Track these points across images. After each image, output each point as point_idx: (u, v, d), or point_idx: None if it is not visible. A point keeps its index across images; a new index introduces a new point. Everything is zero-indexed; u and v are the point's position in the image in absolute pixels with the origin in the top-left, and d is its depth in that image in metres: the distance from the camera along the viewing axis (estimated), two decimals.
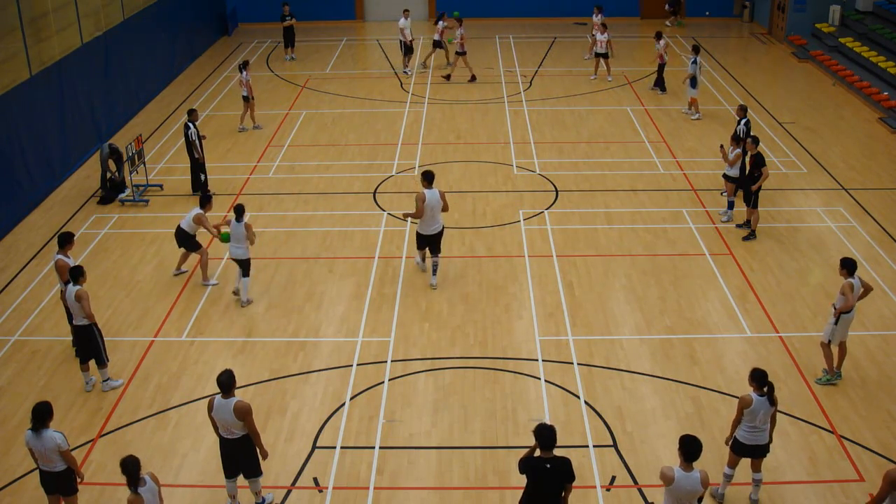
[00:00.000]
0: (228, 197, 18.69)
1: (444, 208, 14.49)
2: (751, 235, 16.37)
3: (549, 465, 8.64)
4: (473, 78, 26.77)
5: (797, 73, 27.70)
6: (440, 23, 27.71)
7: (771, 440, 10.03)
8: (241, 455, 9.89)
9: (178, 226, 15.06)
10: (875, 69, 25.37)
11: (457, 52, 26.66)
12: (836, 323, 11.99)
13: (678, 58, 28.56)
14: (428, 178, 14.31)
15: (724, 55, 29.68)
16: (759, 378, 9.69)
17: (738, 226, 16.75)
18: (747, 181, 16.24)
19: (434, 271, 14.89)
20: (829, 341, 12.12)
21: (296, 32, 29.50)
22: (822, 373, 12.42)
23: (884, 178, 19.36)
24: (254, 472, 10.05)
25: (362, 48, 31.71)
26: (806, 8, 30.49)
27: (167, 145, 21.92)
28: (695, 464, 8.64)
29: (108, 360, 12.54)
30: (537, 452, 8.76)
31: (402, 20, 27.41)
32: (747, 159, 16.54)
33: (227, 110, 24.42)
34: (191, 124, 18.31)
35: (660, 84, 25.38)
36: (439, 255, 14.90)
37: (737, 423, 9.91)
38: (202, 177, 18.70)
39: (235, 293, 14.72)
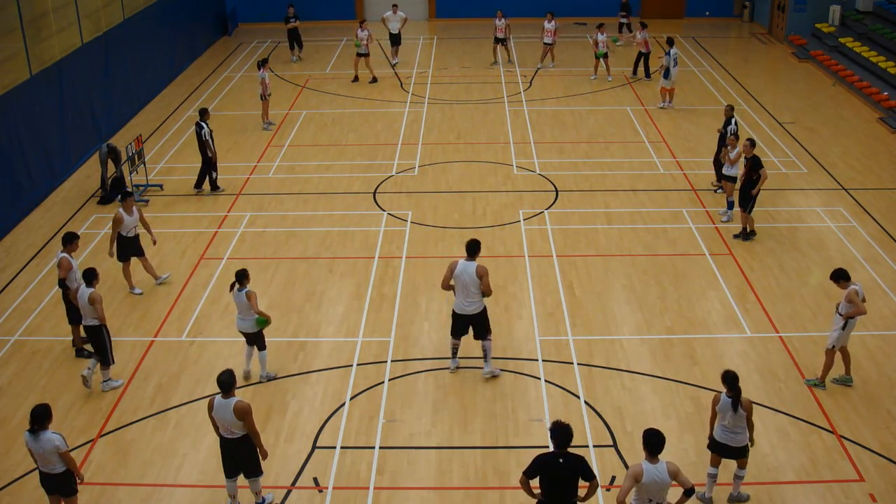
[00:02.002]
0: (229, 197, 18.70)
1: (485, 291, 12.03)
2: (751, 234, 16.30)
3: (562, 461, 8.70)
4: (363, 78, 26.92)
5: (797, 73, 27.70)
6: (501, 20, 28.09)
7: (752, 443, 10.01)
8: (242, 455, 9.89)
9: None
10: (875, 69, 25.37)
11: (359, 54, 26.55)
12: (843, 328, 11.85)
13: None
14: (470, 248, 12.08)
15: (724, 55, 29.69)
16: (728, 380, 9.74)
17: (736, 236, 16.45)
18: (745, 185, 16.11)
19: (486, 357, 12.51)
20: (834, 346, 11.96)
21: (300, 33, 29.47)
22: (817, 379, 12.28)
23: (884, 178, 19.36)
24: (254, 471, 10.05)
25: None
26: (806, 8, 30.52)
27: (167, 145, 21.93)
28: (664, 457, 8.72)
29: (112, 363, 12.54)
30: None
31: (389, 13, 28.23)
32: (742, 161, 16.40)
33: (227, 110, 24.42)
34: (204, 124, 18.40)
35: (646, 72, 26.53)
36: (488, 338, 12.45)
37: (713, 419, 9.96)
38: (213, 174, 18.79)
39: (246, 377, 12.64)
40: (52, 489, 9.58)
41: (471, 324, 12.31)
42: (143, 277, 15.26)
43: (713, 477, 10.20)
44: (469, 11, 33.96)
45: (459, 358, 12.93)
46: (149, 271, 15.20)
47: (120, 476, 10.86)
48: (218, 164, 19.06)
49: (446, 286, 12.23)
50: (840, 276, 11.94)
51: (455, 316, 12.33)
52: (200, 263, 15.96)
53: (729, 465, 10.27)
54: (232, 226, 17.39)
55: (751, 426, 9.88)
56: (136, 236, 14.86)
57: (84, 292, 12.08)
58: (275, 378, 12.60)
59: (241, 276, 12.15)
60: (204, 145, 18.39)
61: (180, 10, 28.54)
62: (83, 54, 21.43)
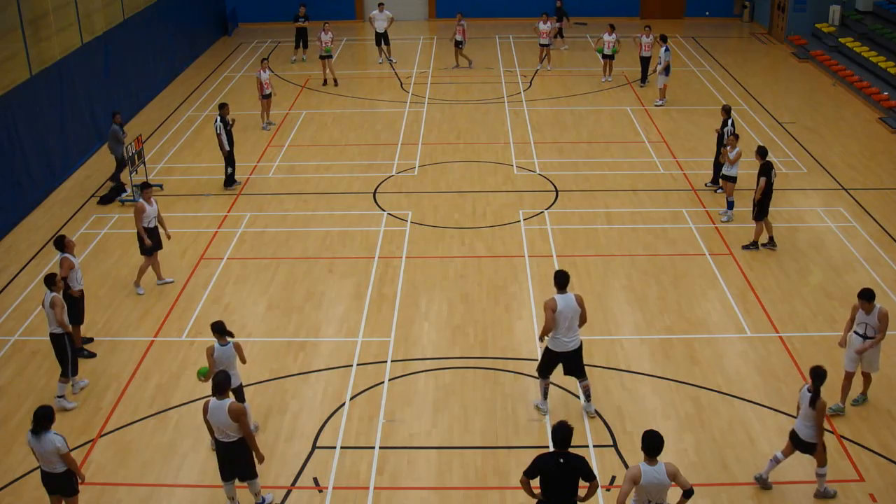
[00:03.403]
0: (229, 197, 18.70)
1: (583, 319, 11.28)
2: (752, 245, 16.04)
3: (562, 460, 8.71)
4: (329, 82, 26.71)
5: (797, 73, 27.70)
6: (462, 23, 28.19)
7: (820, 444, 10.06)
8: (236, 458, 9.83)
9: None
10: (875, 69, 25.37)
11: (321, 56, 26.30)
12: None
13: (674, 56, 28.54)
14: (560, 281, 11.13)
15: (724, 55, 29.69)
16: (812, 375, 9.92)
17: (745, 247, 16.09)
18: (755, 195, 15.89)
19: (588, 396, 11.68)
20: (877, 369, 11.72)
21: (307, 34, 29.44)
22: (859, 395, 12.07)
23: (884, 178, 19.36)
24: (249, 475, 9.98)
25: (362, 48, 31.72)
26: (806, 8, 30.52)
27: (167, 145, 21.93)
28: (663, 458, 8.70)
29: (71, 376, 12.12)
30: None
31: (375, 12, 28.37)
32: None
33: None
34: (218, 118, 18.43)
35: (643, 75, 26.29)
36: (587, 378, 11.68)
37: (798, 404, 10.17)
38: (229, 170, 18.96)
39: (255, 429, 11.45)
40: (53, 489, 9.58)
41: (566, 360, 11.41)
42: (144, 276, 15.23)
43: (775, 461, 10.37)
44: (469, 11, 33.93)
45: (458, 358, 12.93)
46: (154, 269, 15.21)
47: (120, 476, 10.86)
48: (217, 165, 19.05)
49: (552, 327, 11.15)
50: (873, 296, 11.43)
51: (552, 354, 11.35)
52: (200, 263, 15.97)
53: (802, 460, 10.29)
54: (232, 226, 17.39)
55: (818, 429, 9.99)
56: (156, 228, 14.87)
57: (47, 296, 11.79)
58: (257, 428, 11.52)
59: (222, 330, 10.72)
60: (218, 140, 18.49)
61: (180, 11, 28.54)
62: (83, 54, 21.43)
